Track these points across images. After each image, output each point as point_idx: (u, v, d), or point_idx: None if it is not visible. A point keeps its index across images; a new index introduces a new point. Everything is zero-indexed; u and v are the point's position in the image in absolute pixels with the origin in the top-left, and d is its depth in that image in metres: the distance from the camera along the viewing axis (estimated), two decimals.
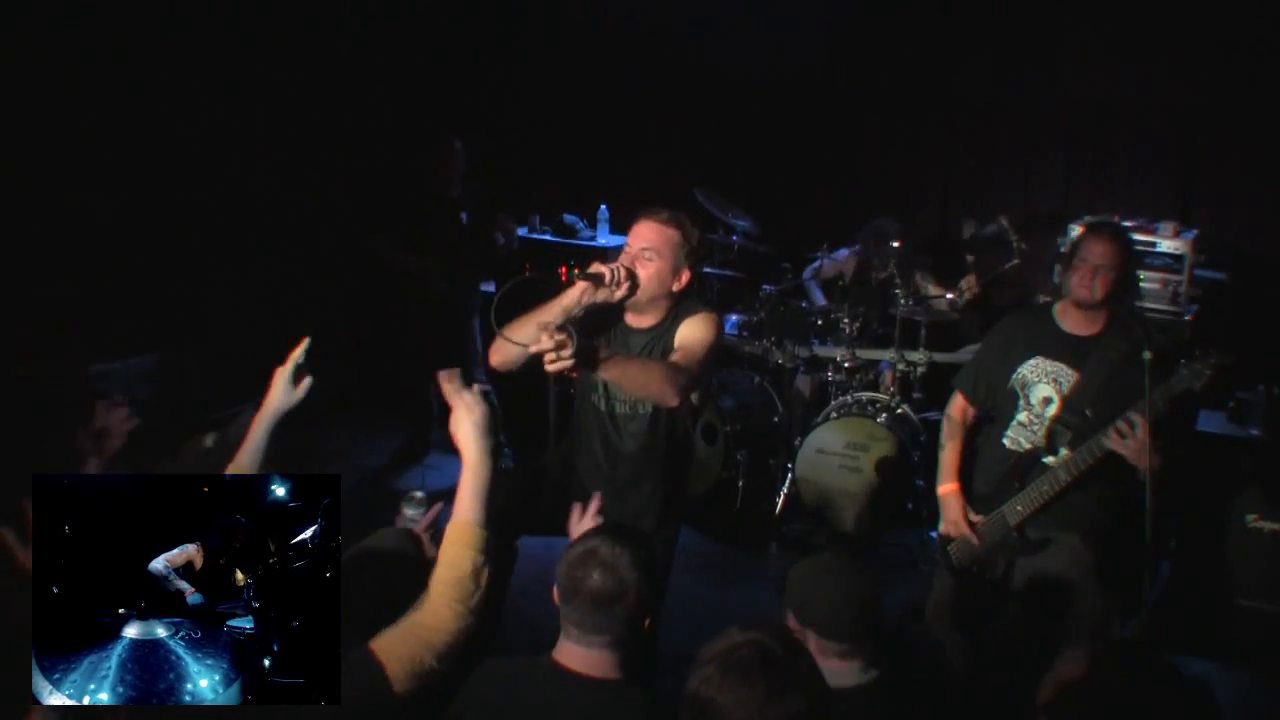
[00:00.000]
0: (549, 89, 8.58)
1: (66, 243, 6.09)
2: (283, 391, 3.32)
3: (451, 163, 6.74)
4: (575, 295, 3.84)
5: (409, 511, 3.63)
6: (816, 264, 7.13)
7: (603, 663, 2.67)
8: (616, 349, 3.95)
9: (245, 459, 3.28)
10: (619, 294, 3.88)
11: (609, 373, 3.63)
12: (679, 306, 4.02)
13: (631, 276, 3.88)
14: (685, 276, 3.97)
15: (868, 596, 3.03)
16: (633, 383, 3.73)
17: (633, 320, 4.03)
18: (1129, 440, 3.97)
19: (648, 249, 3.92)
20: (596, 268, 3.85)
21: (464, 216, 6.76)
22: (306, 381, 3.35)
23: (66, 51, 6.12)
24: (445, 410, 3.02)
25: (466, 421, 2.97)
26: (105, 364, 5.91)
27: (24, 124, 5.93)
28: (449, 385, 3.10)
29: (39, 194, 6.00)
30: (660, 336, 3.99)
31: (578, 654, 2.68)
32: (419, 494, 3.68)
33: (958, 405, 4.58)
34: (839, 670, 2.92)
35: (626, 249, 3.98)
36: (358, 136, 7.73)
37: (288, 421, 3.34)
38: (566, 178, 8.36)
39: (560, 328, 3.45)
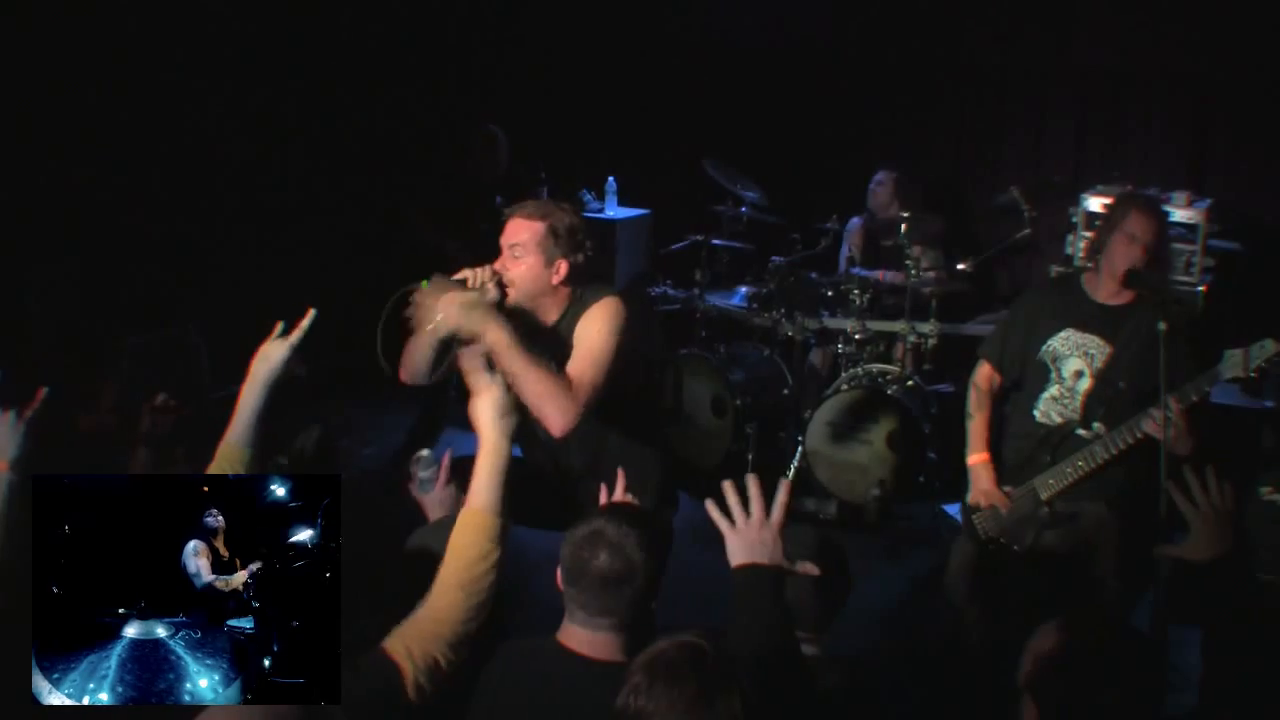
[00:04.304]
0: (556, 60, 8.52)
1: (93, 213, 6.11)
2: (283, 362, 3.14)
3: (492, 153, 6.73)
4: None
5: (422, 474, 3.55)
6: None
7: (608, 646, 2.65)
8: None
9: (237, 434, 3.08)
10: (490, 298, 3.70)
11: (513, 365, 3.50)
12: (577, 297, 3.88)
13: (498, 279, 3.75)
14: (563, 267, 3.79)
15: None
16: (529, 392, 3.53)
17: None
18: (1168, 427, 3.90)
19: (515, 245, 3.80)
20: (461, 274, 3.74)
21: (499, 200, 6.74)
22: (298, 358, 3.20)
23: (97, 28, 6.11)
24: (463, 389, 2.99)
25: (485, 402, 2.92)
26: (135, 337, 5.93)
27: (46, 102, 5.93)
28: (468, 364, 3.06)
29: (64, 167, 6.00)
30: (562, 333, 3.85)
31: (583, 636, 2.65)
32: (425, 453, 3.58)
33: (984, 374, 4.53)
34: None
35: (501, 248, 3.86)
36: (373, 115, 7.71)
37: (286, 396, 3.24)
38: (574, 150, 8.31)
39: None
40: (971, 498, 4.43)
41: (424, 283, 3.70)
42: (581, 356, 3.72)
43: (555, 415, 3.56)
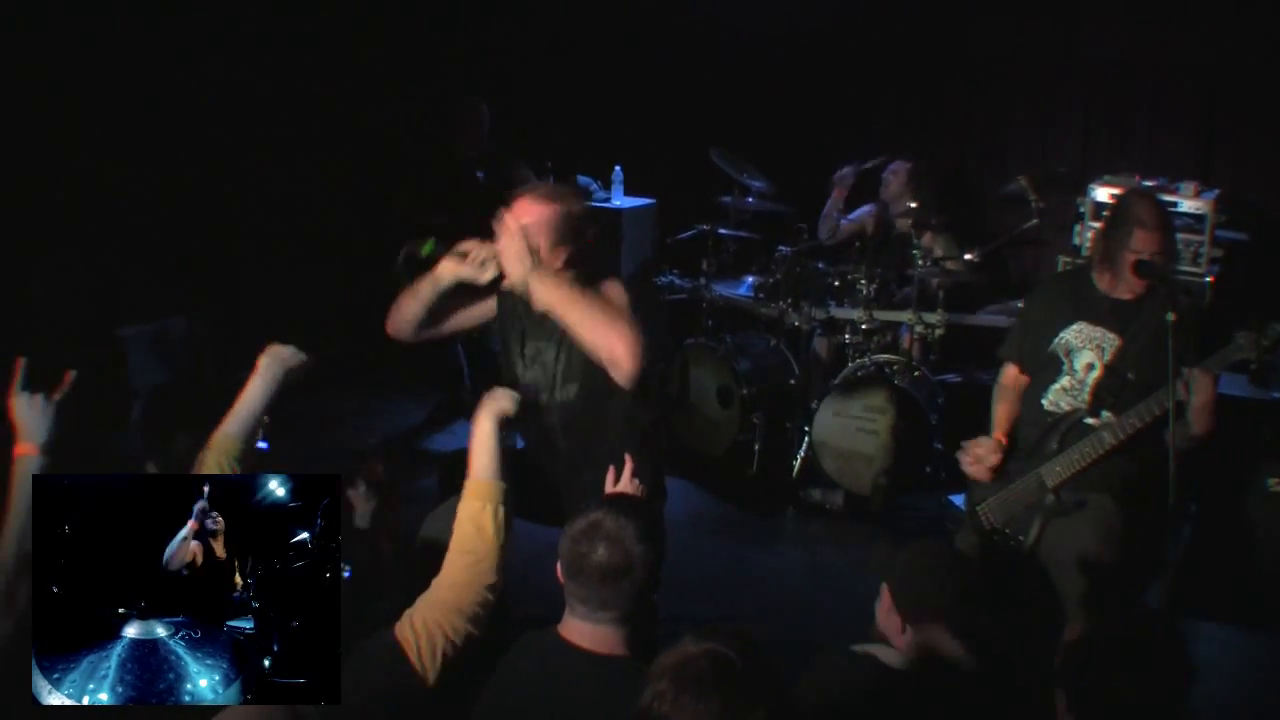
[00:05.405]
0: (562, 47, 8.49)
1: (95, 205, 6.11)
2: (276, 379, 3.25)
3: (476, 125, 6.74)
4: (445, 271, 3.80)
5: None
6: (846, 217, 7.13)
7: (610, 639, 2.64)
8: (530, 334, 3.92)
9: (234, 426, 3.16)
10: (486, 275, 3.76)
11: (564, 308, 3.60)
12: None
13: (499, 258, 3.74)
14: (564, 253, 3.79)
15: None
16: (590, 330, 3.61)
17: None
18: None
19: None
20: (464, 246, 3.76)
21: (480, 175, 6.74)
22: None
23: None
24: (478, 382, 3.06)
25: (489, 408, 3.11)
26: (131, 328, 5.94)
27: (47, 98, 5.94)
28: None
29: (67, 160, 6.01)
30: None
31: (584, 630, 2.64)
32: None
33: (1009, 376, 4.53)
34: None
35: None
36: (371, 96, 7.69)
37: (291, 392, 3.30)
38: (580, 138, 8.29)
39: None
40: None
41: (427, 245, 3.76)
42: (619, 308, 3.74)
43: (621, 346, 3.56)
